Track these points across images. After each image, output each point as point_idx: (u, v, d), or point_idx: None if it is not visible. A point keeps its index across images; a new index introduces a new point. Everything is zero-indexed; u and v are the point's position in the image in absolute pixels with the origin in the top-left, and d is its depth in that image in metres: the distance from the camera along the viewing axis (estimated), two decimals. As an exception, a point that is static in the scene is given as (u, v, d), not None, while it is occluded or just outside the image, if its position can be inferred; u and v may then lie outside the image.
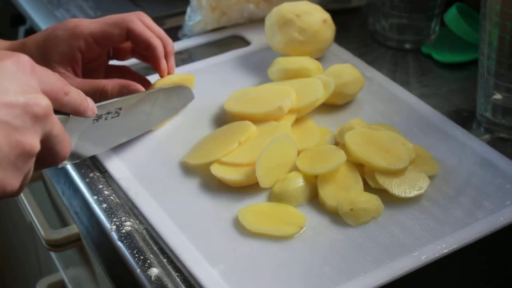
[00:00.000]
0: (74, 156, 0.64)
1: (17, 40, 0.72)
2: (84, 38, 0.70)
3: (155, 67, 0.74)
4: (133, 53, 0.76)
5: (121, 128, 0.69)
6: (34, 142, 0.49)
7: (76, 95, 0.55)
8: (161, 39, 0.73)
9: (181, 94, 0.76)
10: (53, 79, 0.52)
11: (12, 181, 0.48)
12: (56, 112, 0.55)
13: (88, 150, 0.65)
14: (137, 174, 0.69)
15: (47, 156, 0.52)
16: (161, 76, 0.74)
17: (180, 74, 0.76)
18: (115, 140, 0.70)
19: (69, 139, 0.54)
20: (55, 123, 0.51)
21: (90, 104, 0.58)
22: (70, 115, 0.57)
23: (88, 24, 0.71)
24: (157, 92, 0.72)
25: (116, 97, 0.70)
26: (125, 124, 0.69)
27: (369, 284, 0.57)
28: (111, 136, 0.69)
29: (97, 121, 0.64)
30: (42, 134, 0.50)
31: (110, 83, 0.70)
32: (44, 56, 0.70)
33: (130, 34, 0.71)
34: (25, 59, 0.51)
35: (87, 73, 0.73)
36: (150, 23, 0.73)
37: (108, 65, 0.76)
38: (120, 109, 0.67)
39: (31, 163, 0.49)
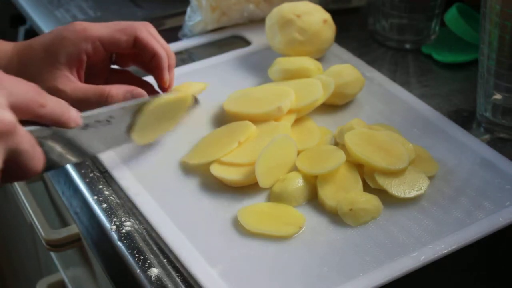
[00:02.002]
0: (60, 162, 0.62)
1: (21, 42, 0.72)
2: (92, 41, 0.70)
3: (158, 78, 0.74)
4: (135, 61, 0.76)
5: (114, 135, 0.67)
6: None
7: (55, 107, 0.54)
8: (166, 51, 0.73)
9: (183, 103, 0.74)
10: (25, 90, 0.51)
11: None
12: (36, 123, 0.54)
13: (74, 156, 0.63)
14: (137, 174, 0.69)
15: (16, 171, 0.50)
16: (163, 88, 0.74)
17: (193, 83, 0.76)
18: (105, 147, 0.67)
19: (41, 153, 0.52)
20: (22, 138, 0.49)
21: (72, 115, 0.57)
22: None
23: (97, 29, 0.71)
24: (154, 101, 0.70)
25: (120, 102, 0.69)
26: (118, 132, 0.67)
27: (368, 285, 0.57)
28: (101, 144, 0.66)
29: (85, 129, 0.62)
30: (5, 150, 0.48)
31: (114, 89, 0.70)
32: (51, 57, 0.69)
33: (137, 42, 0.71)
34: None
35: (89, 77, 0.73)
36: (156, 35, 0.74)
37: (109, 69, 0.76)
38: (112, 117, 0.65)
39: None
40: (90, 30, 0.70)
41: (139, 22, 0.73)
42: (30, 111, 0.51)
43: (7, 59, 0.69)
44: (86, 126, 0.62)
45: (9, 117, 0.48)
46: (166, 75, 0.73)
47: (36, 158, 0.51)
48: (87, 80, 0.72)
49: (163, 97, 0.71)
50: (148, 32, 0.72)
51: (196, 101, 0.76)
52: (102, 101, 0.69)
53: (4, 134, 0.47)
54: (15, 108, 0.49)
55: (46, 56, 0.69)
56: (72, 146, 0.61)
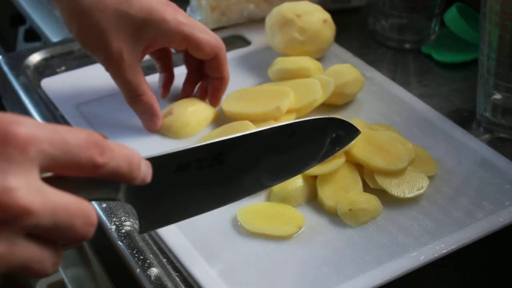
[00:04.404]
0: (159, 223, 0.49)
1: None
2: (183, 38, 0.71)
3: (213, 97, 0.76)
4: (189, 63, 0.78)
5: (229, 183, 0.50)
6: None
7: (117, 163, 0.42)
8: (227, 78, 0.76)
9: (339, 130, 0.57)
10: (73, 147, 0.39)
11: None
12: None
13: (178, 214, 0.48)
14: (137, 174, 0.69)
15: (57, 240, 0.41)
16: (213, 105, 0.77)
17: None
18: (223, 201, 0.50)
19: (88, 217, 0.40)
20: (42, 218, 0.38)
21: (142, 171, 0.44)
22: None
23: (193, 30, 0.71)
24: (298, 124, 0.52)
25: (139, 111, 0.71)
26: (236, 176, 0.49)
27: (368, 284, 0.57)
28: (214, 194, 0.49)
29: (182, 171, 0.46)
30: (18, 234, 0.38)
31: (148, 95, 0.72)
32: (140, 28, 0.69)
33: (214, 60, 0.73)
34: (14, 127, 0.37)
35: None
36: (226, 58, 0.75)
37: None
38: (221, 154, 0.48)
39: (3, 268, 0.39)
40: (188, 26, 0.71)
41: (221, 41, 0.74)
42: (82, 173, 0.41)
43: None
44: (181, 168, 0.47)
45: (21, 198, 0.37)
46: (220, 98, 0.77)
47: (78, 224, 0.40)
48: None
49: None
50: (225, 54, 0.74)
51: None
52: (132, 93, 0.71)
53: (10, 220, 0.37)
54: (60, 168, 0.40)
55: (135, 24, 0.69)
56: (169, 200, 0.47)
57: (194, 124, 0.74)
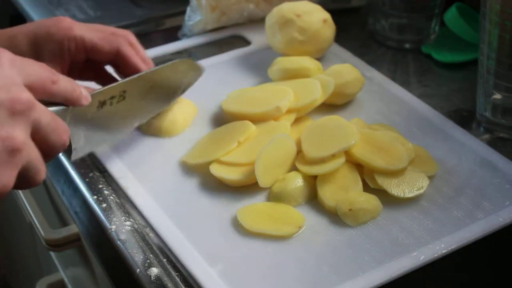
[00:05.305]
0: (88, 147, 0.63)
1: (5, 30, 0.70)
2: (76, 42, 0.69)
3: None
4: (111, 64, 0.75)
5: (131, 111, 0.69)
6: (18, 136, 0.48)
7: (65, 83, 0.55)
8: (147, 64, 0.73)
9: (188, 68, 0.77)
10: (37, 69, 0.52)
11: (3, 178, 0.48)
12: (52, 103, 0.55)
13: (101, 139, 0.65)
14: (137, 174, 0.69)
15: (46, 147, 0.52)
16: (149, 66, 0.74)
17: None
18: (128, 124, 0.69)
19: (64, 124, 0.53)
20: (41, 113, 0.50)
21: (83, 92, 0.58)
22: (70, 106, 0.57)
23: (83, 30, 0.70)
24: (162, 68, 0.72)
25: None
26: (134, 106, 0.69)
27: (368, 284, 0.57)
28: (122, 121, 0.68)
29: (102, 107, 0.63)
30: (29, 127, 0.49)
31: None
32: (35, 52, 0.69)
33: (119, 56, 0.71)
34: (2, 54, 0.50)
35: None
36: (137, 45, 0.73)
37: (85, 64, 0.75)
38: (125, 91, 0.66)
39: (22, 157, 0.49)
40: (75, 30, 0.69)
41: (121, 32, 0.73)
42: (46, 89, 0.53)
43: None
44: (101, 105, 0.63)
45: (26, 96, 0.49)
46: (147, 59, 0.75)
47: (60, 129, 0.52)
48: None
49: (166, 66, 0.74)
50: (130, 46, 0.72)
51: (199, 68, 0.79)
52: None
53: (25, 111, 0.49)
54: (30, 87, 0.51)
55: (30, 50, 0.69)
56: (96, 128, 0.63)
57: (181, 120, 0.75)
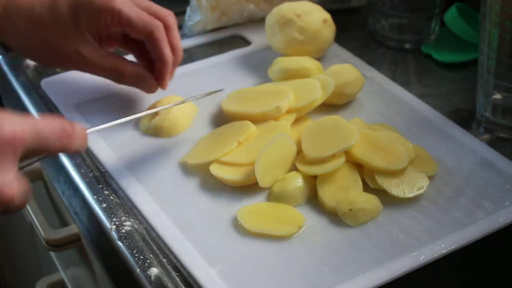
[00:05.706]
0: None
1: None
2: (113, 15, 0.71)
3: (158, 79, 0.75)
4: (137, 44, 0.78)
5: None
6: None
7: (77, 145, 0.57)
8: (175, 52, 0.75)
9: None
10: (51, 142, 0.54)
11: None
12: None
13: None
14: (137, 174, 0.69)
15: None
16: (161, 88, 0.76)
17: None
18: None
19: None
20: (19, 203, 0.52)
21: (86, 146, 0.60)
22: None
23: (122, 7, 0.71)
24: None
25: (131, 84, 0.75)
26: None
27: (368, 284, 0.57)
28: None
29: None
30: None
31: (128, 69, 0.73)
32: (74, 16, 0.71)
33: (150, 38, 0.73)
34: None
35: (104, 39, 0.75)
36: (173, 31, 0.75)
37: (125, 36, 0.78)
38: None
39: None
40: (116, 3, 0.71)
41: (162, 13, 0.74)
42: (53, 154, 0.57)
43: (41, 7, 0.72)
44: None
45: (11, 191, 0.51)
46: (166, 81, 0.75)
47: (24, 204, 0.54)
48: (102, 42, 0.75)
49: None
50: (166, 29, 0.73)
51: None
52: (114, 75, 0.74)
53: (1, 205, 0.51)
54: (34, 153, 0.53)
55: (70, 15, 0.71)
56: None
57: (181, 121, 0.74)
